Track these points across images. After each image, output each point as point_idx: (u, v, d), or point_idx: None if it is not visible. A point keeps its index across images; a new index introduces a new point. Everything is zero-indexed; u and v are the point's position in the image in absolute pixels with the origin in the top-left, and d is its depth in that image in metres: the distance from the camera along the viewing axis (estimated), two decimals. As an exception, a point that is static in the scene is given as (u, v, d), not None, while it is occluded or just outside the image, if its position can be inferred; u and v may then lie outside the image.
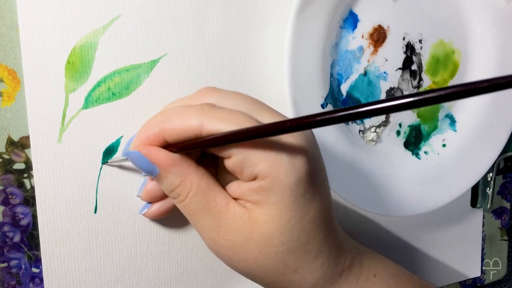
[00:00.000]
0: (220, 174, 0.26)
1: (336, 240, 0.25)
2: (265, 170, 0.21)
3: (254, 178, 0.22)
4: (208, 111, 0.22)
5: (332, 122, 0.18)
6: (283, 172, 0.21)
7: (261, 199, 0.22)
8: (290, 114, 0.29)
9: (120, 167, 0.28)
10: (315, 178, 0.23)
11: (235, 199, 0.23)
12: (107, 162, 0.28)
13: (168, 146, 0.23)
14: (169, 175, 0.23)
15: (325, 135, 0.32)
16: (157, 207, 0.27)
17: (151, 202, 0.27)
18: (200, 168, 0.24)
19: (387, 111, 0.17)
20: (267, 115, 0.23)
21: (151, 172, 0.23)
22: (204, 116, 0.22)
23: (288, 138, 0.22)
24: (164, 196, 0.27)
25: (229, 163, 0.22)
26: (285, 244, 0.23)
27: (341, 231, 0.27)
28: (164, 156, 0.23)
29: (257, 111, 0.23)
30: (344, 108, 0.18)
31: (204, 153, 0.26)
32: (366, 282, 0.26)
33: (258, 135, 0.20)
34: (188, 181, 0.23)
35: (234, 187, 0.23)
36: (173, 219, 0.30)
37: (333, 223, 0.25)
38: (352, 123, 0.34)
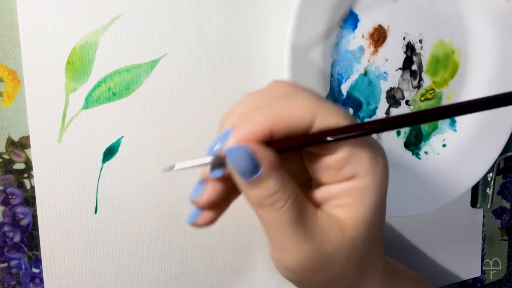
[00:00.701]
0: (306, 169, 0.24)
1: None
2: (367, 169, 0.21)
3: (350, 178, 0.21)
4: (318, 102, 0.20)
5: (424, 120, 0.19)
6: (381, 173, 0.21)
7: (351, 201, 0.21)
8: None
9: (121, 167, 0.28)
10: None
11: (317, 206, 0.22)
12: (172, 169, 0.22)
13: (269, 143, 0.20)
14: (271, 178, 0.20)
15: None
16: (211, 214, 0.23)
17: (204, 208, 0.23)
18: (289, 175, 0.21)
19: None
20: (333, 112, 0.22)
21: (254, 172, 0.20)
22: (319, 108, 0.20)
23: (377, 143, 0.22)
24: (223, 202, 0.23)
25: (331, 159, 0.20)
26: (367, 243, 0.22)
27: None
28: (272, 155, 0.20)
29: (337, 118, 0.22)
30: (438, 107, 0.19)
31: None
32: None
33: (379, 130, 0.20)
34: (288, 186, 0.20)
35: (321, 192, 0.22)
36: (173, 219, 0.30)
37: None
38: (352, 123, 0.34)
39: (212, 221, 0.23)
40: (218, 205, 0.23)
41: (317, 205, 0.22)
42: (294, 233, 0.21)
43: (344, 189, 0.21)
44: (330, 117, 0.20)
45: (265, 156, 0.19)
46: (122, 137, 0.28)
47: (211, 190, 0.22)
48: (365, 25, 0.33)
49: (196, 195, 0.22)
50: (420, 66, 0.36)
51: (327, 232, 0.21)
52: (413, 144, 0.37)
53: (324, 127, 0.20)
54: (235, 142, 0.20)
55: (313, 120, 0.20)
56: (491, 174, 0.41)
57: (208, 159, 0.21)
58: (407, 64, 0.35)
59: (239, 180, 0.20)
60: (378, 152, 0.21)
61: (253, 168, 0.20)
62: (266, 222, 0.21)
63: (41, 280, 0.28)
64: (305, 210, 0.21)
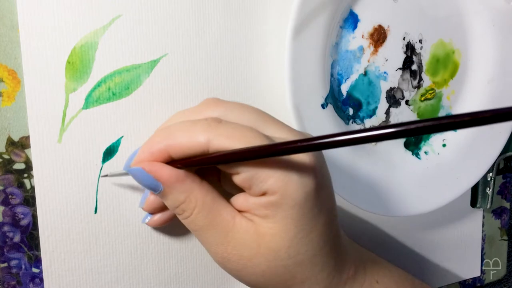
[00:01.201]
0: (224, 184, 0.26)
1: (341, 250, 0.25)
2: (275, 186, 0.21)
3: (263, 194, 0.22)
4: (214, 127, 0.21)
5: (344, 144, 0.18)
6: (292, 188, 0.21)
7: (269, 213, 0.22)
8: (290, 114, 0.29)
9: (121, 167, 0.28)
10: (321, 192, 0.23)
11: (240, 211, 0.23)
12: (107, 175, 0.27)
13: (172, 162, 0.23)
14: (173, 192, 0.23)
15: (325, 135, 0.32)
16: (160, 215, 0.27)
17: (153, 213, 0.27)
18: (204, 183, 0.23)
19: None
20: (273, 128, 0.23)
21: (155, 189, 0.23)
22: (211, 133, 0.21)
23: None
24: (165, 207, 0.27)
25: (237, 179, 0.22)
26: (292, 258, 0.23)
27: (345, 238, 0.28)
28: (169, 172, 0.22)
29: (263, 124, 0.23)
30: (357, 131, 0.18)
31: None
32: None
33: (267, 155, 0.20)
34: (193, 197, 0.23)
35: (240, 200, 0.23)
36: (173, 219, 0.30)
37: (338, 234, 0.25)
38: (352, 123, 0.34)
39: (163, 221, 0.27)
40: (163, 209, 0.27)
41: (241, 210, 0.23)
42: (207, 237, 0.23)
43: (259, 202, 0.22)
44: (222, 141, 0.21)
45: (163, 174, 0.22)
46: (122, 137, 0.28)
47: (152, 198, 0.26)
48: (365, 25, 0.33)
49: (142, 203, 0.27)
50: (420, 66, 0.36)
51: (243, 237, 0.22)
52: (413, 144, 0.37)
53: (215, 151, 0.21)
54: (137, 162, 0.23)
55: (208, 143, 0.21)
56: (491, 174, 0.41)
57: (124, 172, 0.25)
58: (407, 64, 0.35)
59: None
60: (290, 167, 0.21)
61: (154, 185, 0.23)
62: (185, 225, 0.24)
63: (41, 280, 0.28)
64: (219, 216, 0.23)
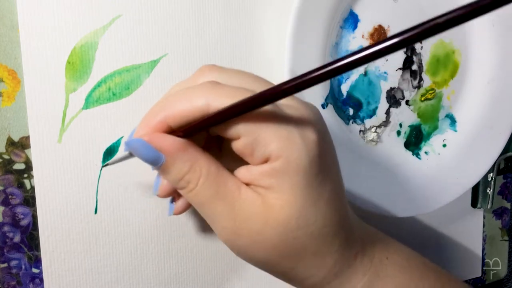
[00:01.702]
0: (225, 161, 0.24)
1: (350, 222, 0.25)
2: (278, 150, 0.20)
3: (266, 160, 0.21)
4: (213, 88, 0.21)
5: (328, 76, 0.17)
6: (296, 151, 0.20)
7: (274, 183, 0.21)
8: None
9: (121, 167, 0.28)
10: (326, 157, 0.22)
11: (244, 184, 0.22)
12: (107, 165, 0.27)
13: (172, 132, 0.22)
14: (176, 162, 0.21)
15: (325, 135, 0.32)
16: (182, 201, 0.26)
17: (168, 197, 0.26)
18: (207, 153, 0.22)
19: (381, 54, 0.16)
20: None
21: (157, 160, 0.21)
22: (210, 95, 0.20)
23: (299, 117, 0.21)
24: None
25: (238, 145, 0.21)
26: (302, 228, 0.22)
27: (352, 212, 0.27)
28: (170, 141, 0.21)
29: (262, 87, 0.22)
30: (338, 59, 0.17)
31: (209, 140, 0.25)
32: (379, 264, 0.26)
33: (270, 99, 0.19)
34: (197, 166, 0.21)
35: (243, 172, 0.22)
36: (173, 219, 0.30)
37: (345, 205, 0.24)
38: (352, 123, 0.34)
39: (187, 206, 0.25)
40: (177, 192, 0.25)
41: (246, 183, 0.22)
42: (213, 210, 0.22)
43: (263, 171, 0.21)
44: (223, 101, 0.20)
45: (165, 144, 0.21)
46: (122, 137, 0.28)
47: (165, 182, 0.24)
48: (365, 25, 0.33)
49: (155, 189, 0.25)
50: (420, 66, 0.36)
51: (250, 209, 0.21)
52: (413, 144, 0.37)
53: (215, 111, 0.20)
54: (136, 135, 0.22)
55: (209, 106, 0.20)
56: (491, 174, 0.41)
57: (125, 152, 0.23)
58: (407, 64, 0.35)
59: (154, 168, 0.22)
60: (293, 130, 0.21)
61: (156, 157, 0.21)
62: (190, 200, 0.22)
63: (41, 280, 0.28)
64: (224, 187, 0.21)
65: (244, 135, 0.20)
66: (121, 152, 0.24)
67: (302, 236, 0.22)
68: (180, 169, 0.22)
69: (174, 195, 0.26)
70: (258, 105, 0.19)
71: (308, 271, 0.24)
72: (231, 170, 0.23)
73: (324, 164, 0.22)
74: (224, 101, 0.20)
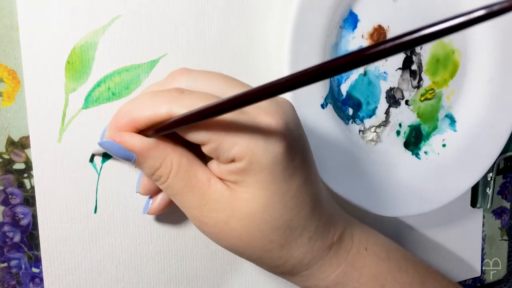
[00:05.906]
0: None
1: (324, 214, 0.25)
2: (240, 152, 0.21)
3: (232, 161, 0.22)
4: (176, 97, 0.22)
5: (307, 82, 0.16)
6: (258, 152, 0.21)
7: (238, 179, 0.22)
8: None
9: (121, 167, 0.28)
10: (294, 154, 0.22)
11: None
12: (94, 155, 0.27)
13: (143, 130, 0.23)
14: (147, 159, 0.23)
15: (325, 135, 0.32)
16: (158, 201, 0.27)
17: (150, 195, 0.27)
18: (178, 147, 0.23)
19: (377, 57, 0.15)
20: (240, 91, 0.23)
21: (129, 158, 0.23)
22: (173, 103, 0.21)
23: (263, 116, 0.21)
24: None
25: (205, 149, 0.22)
26: (268, 222, 0.23)
27: (331, 203, 0.27)
28: (140, 141, 0.23)
29: (231, 90, 0.23)
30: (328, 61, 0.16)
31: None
32: (357, 255, 0.26)
33: (219, 111, 0.19)
34: (168, 161, 0.23)
35: (214, 166, 0.23)
36: (173, 218, 0.30)
37: (319, 197, 0.25)
38: (352, 123, 0.34)
39: (163, 206, 0.27)
40: (159, 190, 0.27)
41: (217, 176, 0.23)
42: (184, 200, 0.23)
43: (229, 169, 0.22)
44: (183, 110, 0.21)
45: (134, 143, 0.23)
46: (122, 137, 0.28)
47: (145, 179, 0.26)
48: (365, 25, 0.33)
49: (137, 187, 0.27)
50: (420, 66, 0.36)
51: (218, 200, 0.23)
52: (413, 144, 0.37)
53: (175, 118, 0.21)
54: (107, 136, 0.23)
55: (170, 114, 0.21)
56: (491, 174, 0.41)
57: (99, 149, 0.26)
58: (406, 64, 0.35)
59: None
60: (256, 130, 0.21)
61: (127, 155, 0.23)
62: (165, 191, 0.24)
63: (41, 280, 0.28)
64: (195, 179, 0.23)
65: (208, 142, 0.22)
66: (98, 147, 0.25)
67: (267, 229, 0.23)
68: (151, 165, 0.23)
69: (153, 193, 0.27)
70: (218, 112, 0.20)
71: (276, 261, 0.24)
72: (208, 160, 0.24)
73: (292, 159, 0.22)
74: (185, 111, 0.21)
